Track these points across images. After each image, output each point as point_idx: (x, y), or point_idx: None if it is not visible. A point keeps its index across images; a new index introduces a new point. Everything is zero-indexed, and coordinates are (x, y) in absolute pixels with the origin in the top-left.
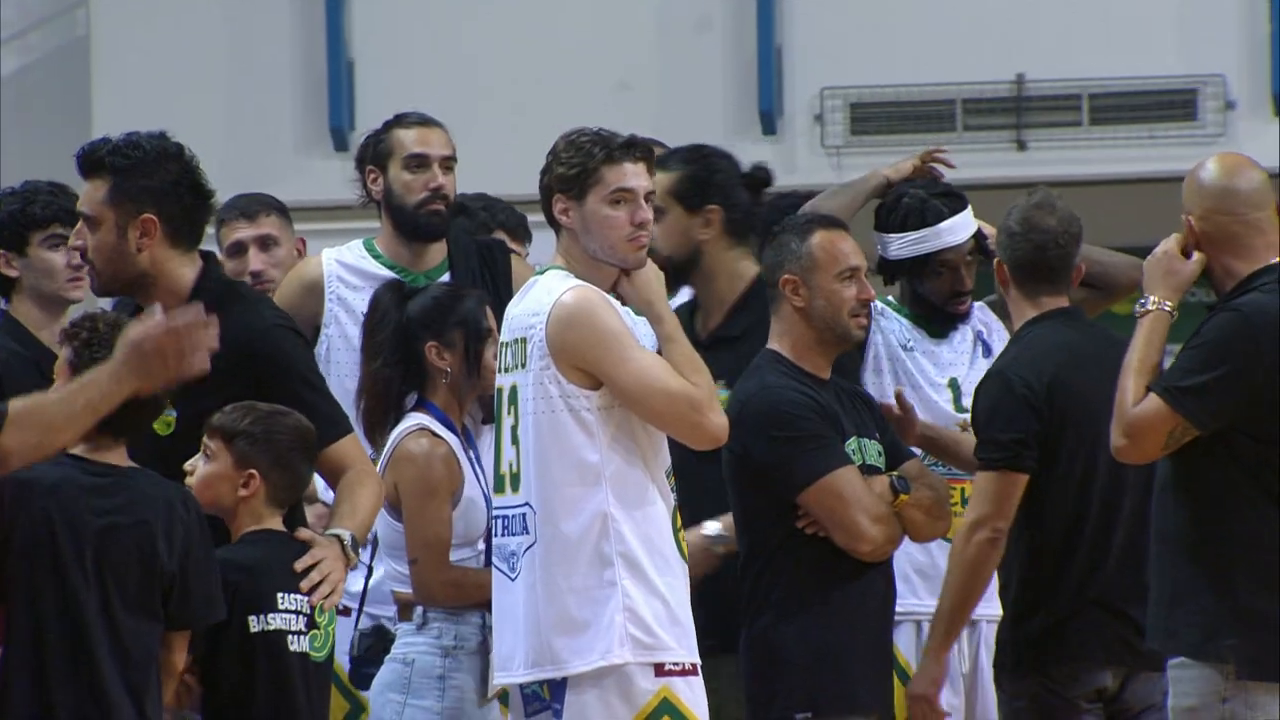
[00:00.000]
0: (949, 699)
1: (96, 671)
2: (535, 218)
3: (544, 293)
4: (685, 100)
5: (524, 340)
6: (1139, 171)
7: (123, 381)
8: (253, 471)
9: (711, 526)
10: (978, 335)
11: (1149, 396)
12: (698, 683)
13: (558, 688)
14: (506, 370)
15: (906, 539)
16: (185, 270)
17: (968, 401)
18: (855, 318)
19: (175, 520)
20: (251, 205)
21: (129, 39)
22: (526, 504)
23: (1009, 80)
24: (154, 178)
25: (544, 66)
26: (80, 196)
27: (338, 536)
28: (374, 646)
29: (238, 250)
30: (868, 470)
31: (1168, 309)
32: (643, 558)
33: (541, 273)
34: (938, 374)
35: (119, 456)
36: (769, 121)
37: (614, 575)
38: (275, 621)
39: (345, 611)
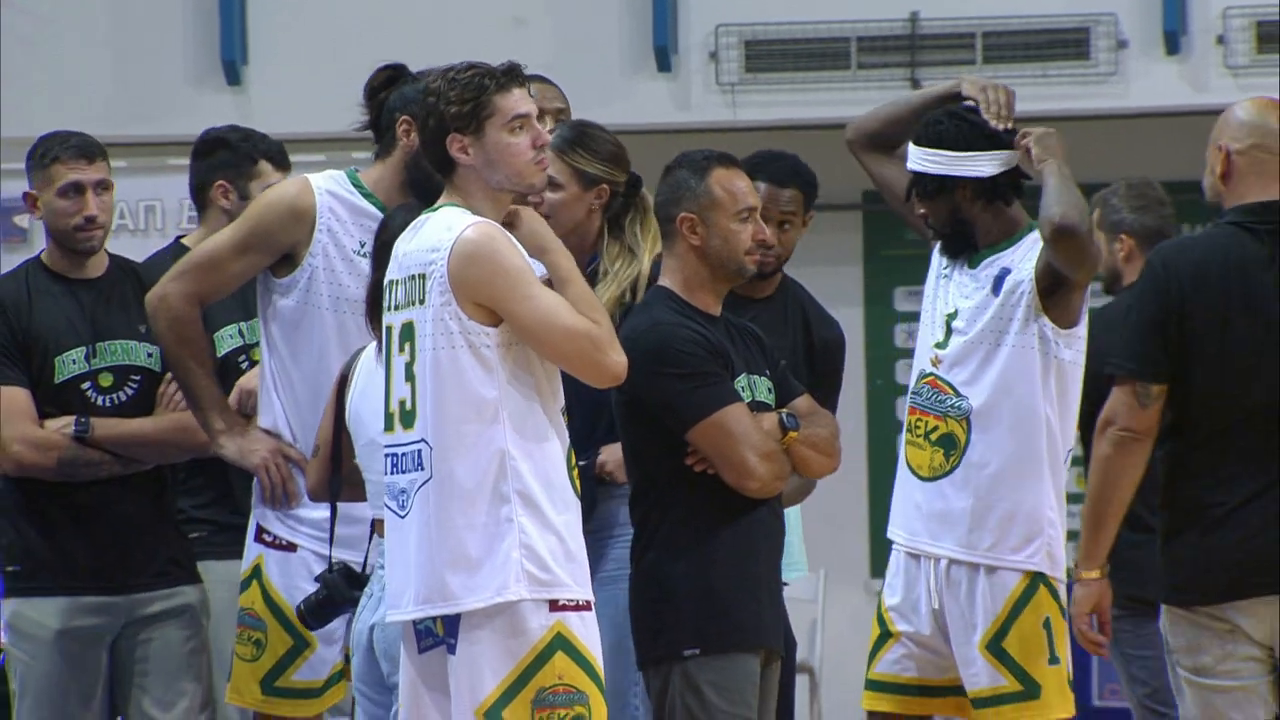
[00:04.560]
0: (920, 633)
1: None
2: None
3: (443, 229)
4: (580, 37)
5: (422, 276)
6: (1032, 110)
7: None
8: None
9: None
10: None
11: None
12: (591, 618)
13: (451, 623)
14: (397, 308)
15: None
16: None
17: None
18: (749, 255)
19: None
20: (90, 147)
21: None
22: (422, 440)
23: (903, 19)
24: None
25: (437, 3)
26: None
27: None
28: (339, 591)
29: (74, 190)
30: (757, 407)
31: None
32: (540, 495)
33: (435, 210)
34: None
35: None
36: (664, 58)
37: (510, 512)
38: None
39: (291, 546)
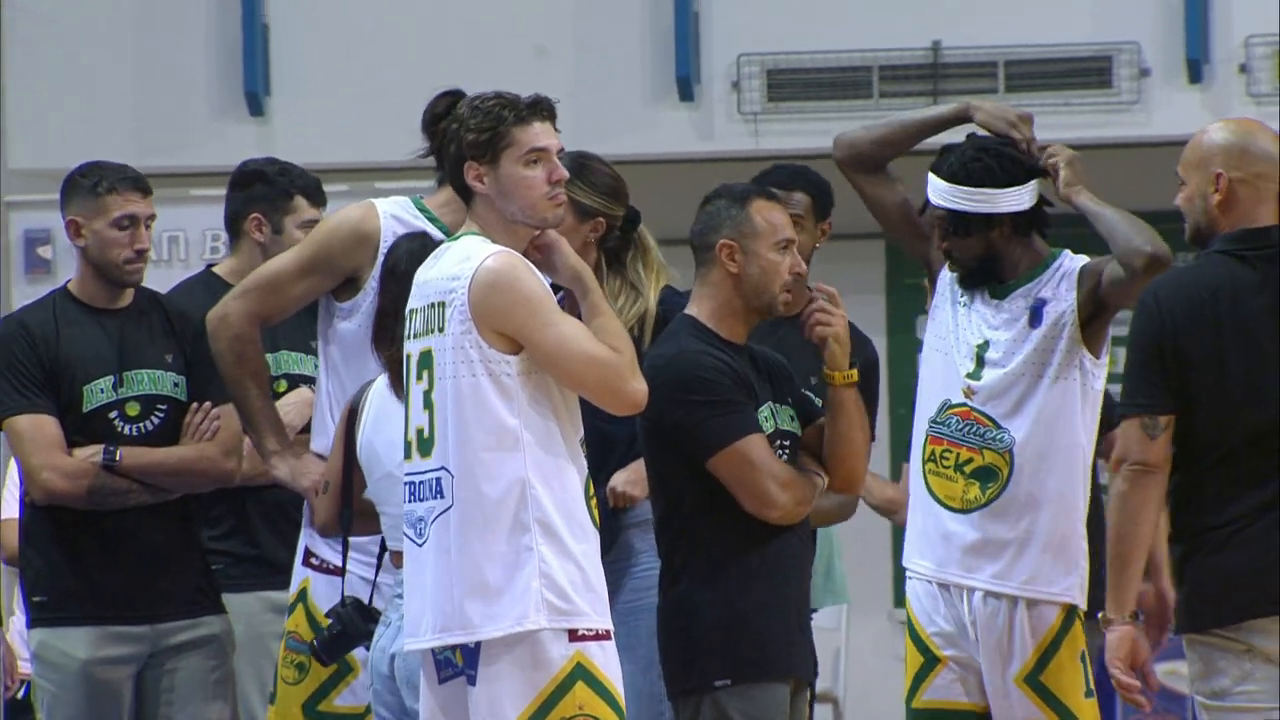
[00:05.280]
0: (960, 657)
1: None
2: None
3: (463, 258)
4: (602, 67)
5: (442, 304)
6: (1054, 139)
7: None
8: None
9: None
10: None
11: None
12: (611, 648)
13: (470, 654)
14: (417, 336)
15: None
16: None
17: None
18: (785, 290)
19: None
20: (143, 181)
21: (39, 1)
22: (442, 468)
23: (925, 47)
24: None
25: (460, 32)
26: None
27: None
28: (352, 625)
29: (130, 222)
30: (782, 435)
31: None
32: (559, 524)
33: (455, 239)
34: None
35: None
36: (686, 88)
37: (530, 540)
38: None
39: (338, 571)
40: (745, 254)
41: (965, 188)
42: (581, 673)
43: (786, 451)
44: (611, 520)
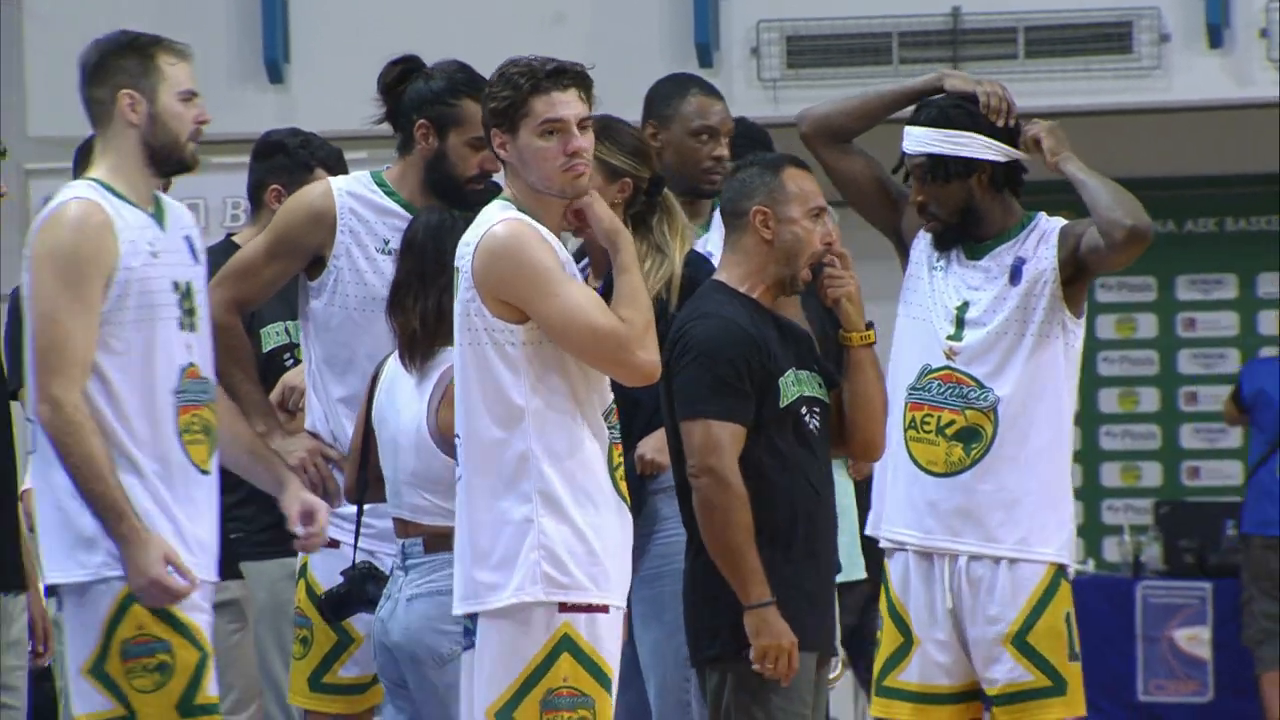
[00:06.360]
0: (936, 637)
1: None
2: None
3: (480, 223)
4: (621, 33)
5: (457, 270)
6: (1074, 104)
7: None
8: None
9: None
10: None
11: None
12: (606, 620)
13: (474, 621)
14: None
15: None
16: None
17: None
18: (813, 257)
19: None
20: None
21: None
22: (458, 435)
23: (945, 13)
24: None
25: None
26: None
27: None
28: (360, 586)
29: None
30: (809, 401)
31: None
32: (564, 495)
33: (490, 203)
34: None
35: None
36: (705, 54)
37: (532, 513)
38: None
39: (334, 544)
40: (779, 220)
41: (946, 130)
42: (568, 644)
43: (816, 417)
44: (639, 486)
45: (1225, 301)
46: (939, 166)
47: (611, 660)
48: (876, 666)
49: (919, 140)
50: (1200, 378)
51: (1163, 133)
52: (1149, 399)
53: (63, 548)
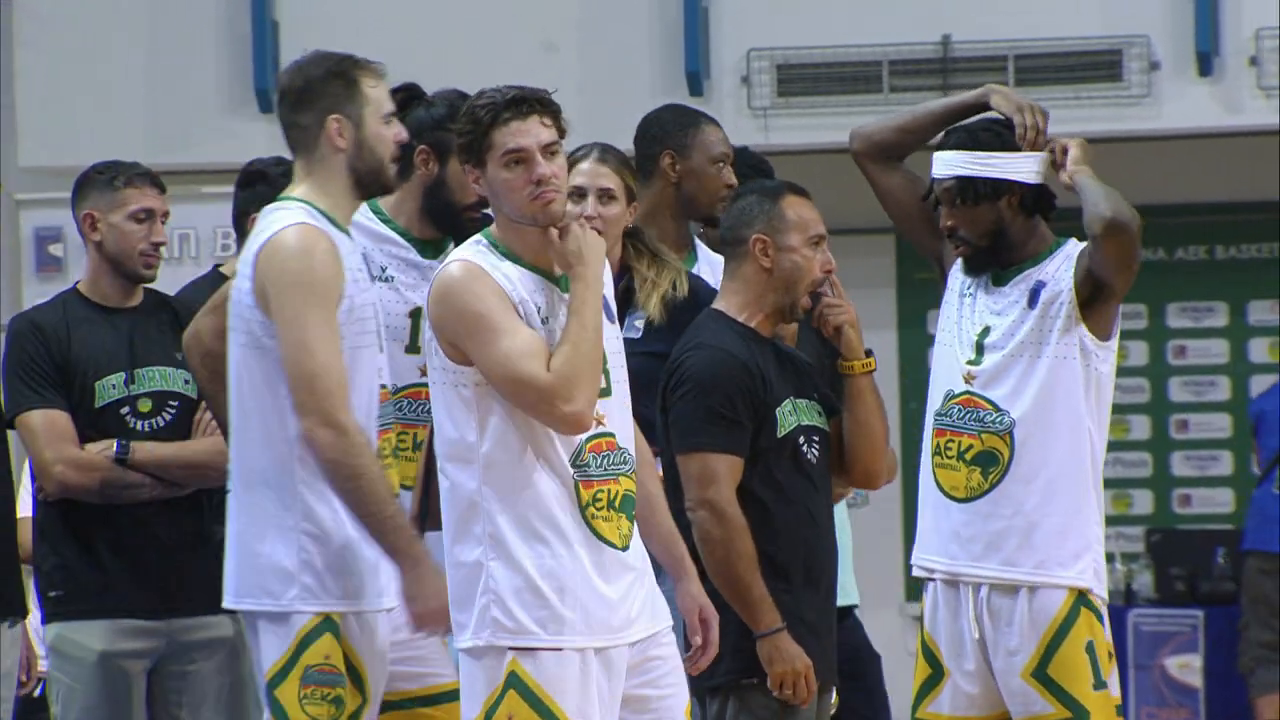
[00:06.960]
0: (964, 668)
1: None
2: None
3: (448, 259)
4: (611, 62)
5: None
6: (1065, 132)
7: None
8: None
9: None
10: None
11: None
12: (554, 659)
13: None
14: None
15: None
16: None
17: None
18: (812, 285)
19: None
20: (158, 180)
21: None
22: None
23: (935, 41)
24: None
25: (468, 28)
26: None
27: None
28: None
29: (147, 215)
30: (807, 430)
31: None
32: (512, 538)
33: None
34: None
35: None
36: (696, 82)
37: (482, 555)
38: None
39: None
40: (778, 249)
41: (973, 153)
42: (514, 682)
43: (815, 446)
44: None
45: (1216, 329)
46: (968, 188)
47: (563, 699)
48: (911, 700)
49: (947, 164)
50: (1191, 405)
51: (1153, 160)
52: (1140, 426)
53: (252, 575)
